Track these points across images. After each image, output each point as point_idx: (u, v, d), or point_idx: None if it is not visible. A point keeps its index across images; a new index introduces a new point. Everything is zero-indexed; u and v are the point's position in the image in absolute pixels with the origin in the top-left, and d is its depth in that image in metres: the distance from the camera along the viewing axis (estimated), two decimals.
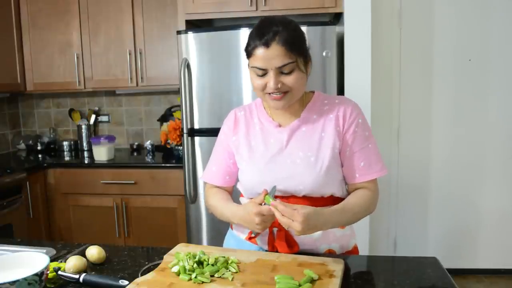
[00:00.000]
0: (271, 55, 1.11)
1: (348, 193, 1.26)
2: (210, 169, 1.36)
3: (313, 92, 1.30)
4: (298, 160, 1.20)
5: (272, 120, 1.27)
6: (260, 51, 1.12)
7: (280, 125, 1.25)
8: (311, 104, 1.26)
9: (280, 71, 1.13)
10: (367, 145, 1.22)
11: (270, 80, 1.13)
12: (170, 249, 1.20)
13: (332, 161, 1.19)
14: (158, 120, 3.21)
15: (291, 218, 1.03)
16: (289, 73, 1.14)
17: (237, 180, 1.33)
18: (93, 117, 3.38)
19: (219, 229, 2.45)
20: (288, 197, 1.20)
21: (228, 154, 1.32)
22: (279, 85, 1.14)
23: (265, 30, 1.13)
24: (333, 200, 1.22)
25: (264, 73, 1.14)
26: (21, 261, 1.04)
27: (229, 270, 1.05)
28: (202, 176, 1.39)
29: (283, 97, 1.16)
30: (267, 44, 1.11)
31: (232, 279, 1.01)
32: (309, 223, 1.04)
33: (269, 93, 1.16)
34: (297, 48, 1.14)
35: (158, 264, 1.12)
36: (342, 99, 1.28)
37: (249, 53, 1.17)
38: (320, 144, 1.20)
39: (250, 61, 1.17)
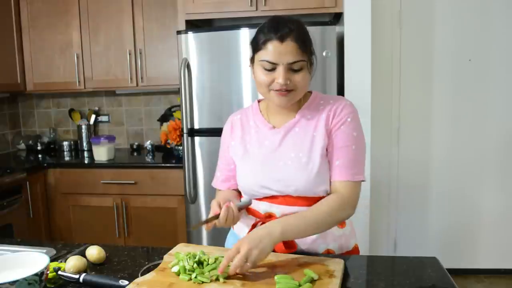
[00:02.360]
0: (284, 50, 1.11)
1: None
2: (216, 175, 1.39)
3: (310, 92, 1.29)
4: (289, 161, 1.19)
5: (267, 123, 1.27)
6: (273, 45, 1.12)
7: (274, 127, 1.25)
8: (307, 104, 1.25)
9: (290, 68, 1.13)
10: (350, 145, 1.19)
11: (280, 76, 1.12)
12: (170, 249, 1.20)
13: (322, 161, 1.18)
14: (158, 120, 3.21)
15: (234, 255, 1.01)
16: (298, 71, 1.14)
17: None
18: (93, 117, 3.38)
19: (219, 229, 2.44)
20: (284, 196, 1.20)
21: (229, 160, 1.33)
22: (288, 82, 1.13)
23: (279, 25, 1.13)
24: None
25: (273, 67, 1.14)
26: (21, 261, 1.04)
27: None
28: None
29: (288, 94, 1.15)
30: (282, 39, 1.11)
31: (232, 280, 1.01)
32: (245, 241, 1.03)
33: (275, 90, 1.15)
34: (308, 49, 1.15)
35: (158, 264, 1.12)
36: (338, 98, 1.26)
37: (259, 47, 1.15)
38: (312, 145, 1.20)
39: (259, 55, 1.16)
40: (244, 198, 1.29)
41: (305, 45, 1.14)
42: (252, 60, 1.21)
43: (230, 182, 1.34)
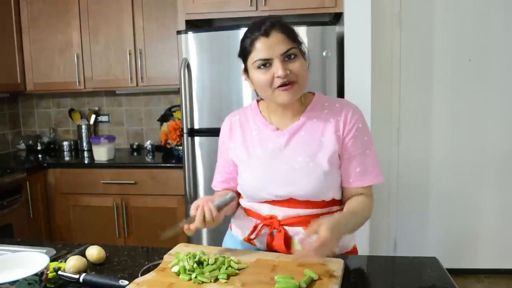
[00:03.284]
0: (273, 42, 1.11)
1: (343, 196, 1.24)
2: (215, 176, 1.37)
3: (313, 93, 1.28)
4: (296, 165, 1.17)
5: (269, 124, 1.24)
6: (261, 42, 1.12)
7: (278, 129, 1.23)
8: (311, 106, 1.23)
9: (284, 58, 1.12)
10: (365, 151, 1.20)
11: (278, 68, 1.11)
12: (170, 249, 1.20)
13: (331, 167, 1.17)
14: (158, 120, 3.21)
15: (315, 232, 0.99)
16: (293, 59, 1.13)
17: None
18: (93, 117, 3.38)
19: (219, 229, 2.43)
20: (288, 200, 1.19)
21: (228, 162, 1.31)
22: (287, 72, 1.11)
23: (260, 24, 1.13)
24: (334, 203, 1.21)
25: (268, 63, 1.12)
26: (21, 261, 1.04)
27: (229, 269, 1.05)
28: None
29: (292, 88, 1.13)
30: (267, 33, 1.11)
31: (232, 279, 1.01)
32: (334, 228, 1.00)
33: (277, 87, 1.13)
34: (295, 37, 1.15)
35: (158, 264, 1.12)
36: (343, 102, 1.25)
37: (247, 50, 1.15)
38: (320, 149, 1.18)
39: (251, 58, 1.15)
40: (222, 197, 1.21)
41: (291, 34, 1.14)
42: (246, 70, 1.20)
43: (229, 184, 1.33)
